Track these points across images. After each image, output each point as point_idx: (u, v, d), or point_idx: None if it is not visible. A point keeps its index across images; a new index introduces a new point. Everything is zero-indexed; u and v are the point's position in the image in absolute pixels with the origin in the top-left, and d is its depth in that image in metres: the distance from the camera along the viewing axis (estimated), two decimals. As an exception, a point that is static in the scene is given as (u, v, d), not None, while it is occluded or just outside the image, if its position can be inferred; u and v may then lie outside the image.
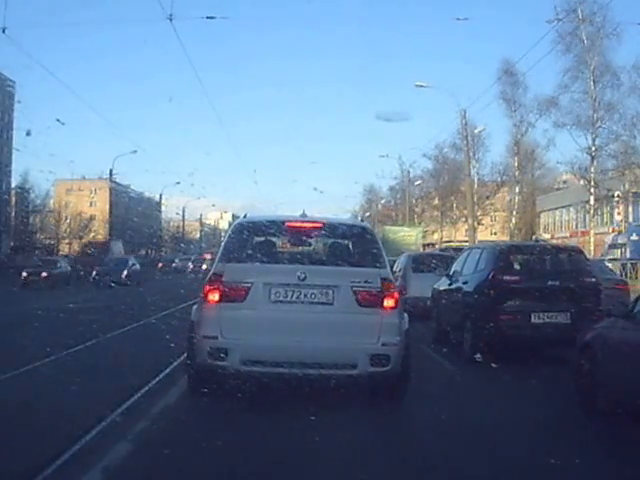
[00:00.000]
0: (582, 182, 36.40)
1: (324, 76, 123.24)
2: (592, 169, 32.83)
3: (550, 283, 9.31)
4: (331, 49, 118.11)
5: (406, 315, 6.50)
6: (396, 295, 6.26)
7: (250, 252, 6.74)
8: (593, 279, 9.78)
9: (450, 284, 11.01)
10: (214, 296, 6.17)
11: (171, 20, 17.44)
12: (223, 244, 6.80)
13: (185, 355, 6.71)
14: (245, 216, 7.41)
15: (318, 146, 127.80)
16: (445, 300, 11.09)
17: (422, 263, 15.99)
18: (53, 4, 74.33)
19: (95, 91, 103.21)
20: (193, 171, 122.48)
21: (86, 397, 6.16)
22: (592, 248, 34.85)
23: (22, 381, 7.11)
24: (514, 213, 46.97)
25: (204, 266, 32.09)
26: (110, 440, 4.97)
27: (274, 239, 7.43)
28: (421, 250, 35.92)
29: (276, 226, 7.14)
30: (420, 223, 59.04)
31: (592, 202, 33.90)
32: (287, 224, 7.10)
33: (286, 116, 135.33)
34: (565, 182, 55.33)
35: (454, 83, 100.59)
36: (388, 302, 6.15)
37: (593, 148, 32.65)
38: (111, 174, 45.91)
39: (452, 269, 11.42)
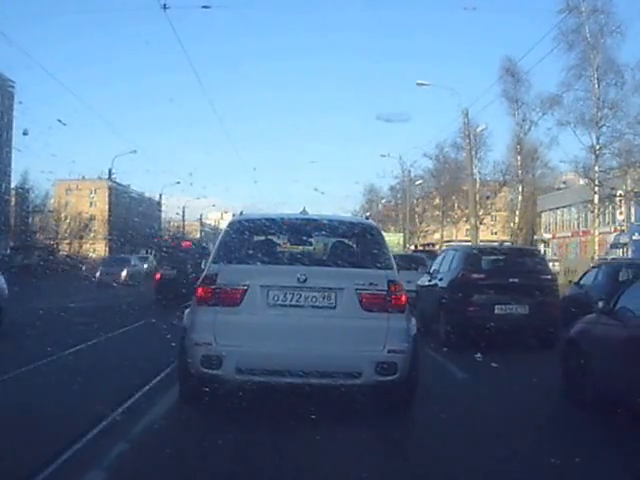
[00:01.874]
0: (584, 181, 36.16)
1: (325, 76, 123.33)
2: (596, 168, 32.49)
3: (511, 280, 10.73)
4: (331, 49, 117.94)
5: (414, 319, 6.08)
6: (403, 298, 5.82)
7: (247, 252, 6.31)
8: (549, 276, 11.43)
9: (430, 280, 12.40)
10: (208, 299, 5.74)
11: (165, 9, 17.27)
12: (218, 243, 6.33)
13: (176, 363, 6.27)
14: (242, 213, 7.04)
15: (319, 146, 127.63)
16: (425, 294, 12.28)
17: (399, 262, 18.75)
18: (51, 4, 74.10)
19: (94, 91, 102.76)
20: (193, 171, 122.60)
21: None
22: (596, 248, 34.51)
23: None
24: (517, 213, 46.70)
25: (123, 274, 28.62)
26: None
27: (273, 238, 6.99)
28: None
29: (275, 224, 6.69)
30: (421, 223, 59.02)
31: (596, 201, 33.55)
32: (286, 222, 6.72)
33: (286, 116, 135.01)
34: (565, 182, 55.05)
35: (455, 83, 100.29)
36: (395, 306, 5.74)
37: (597, 147, 32.30)
38: (110, 174, 45.73)
39: (432, 268, 12.79)
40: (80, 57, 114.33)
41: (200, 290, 5.80)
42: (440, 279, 11.77)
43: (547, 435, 5.43)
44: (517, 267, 11.27)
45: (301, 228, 6.81)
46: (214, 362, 5.54)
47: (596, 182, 32.32)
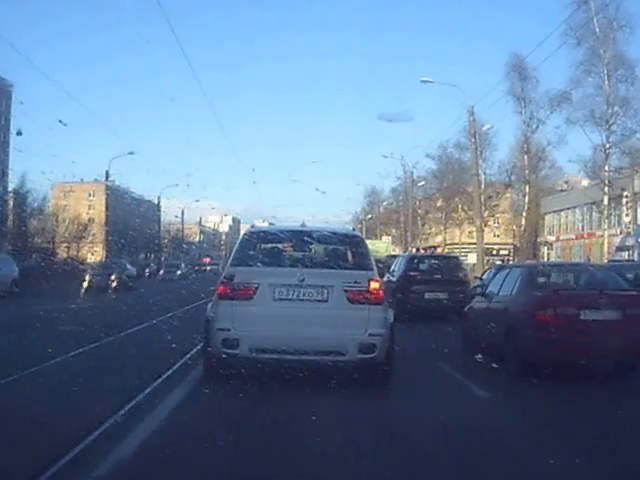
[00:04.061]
0: (589, 182, 35.27)
1: (326, 77, 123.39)
2: (606, 167, 31.56)
3: (436, 276, 16.70)
4: (333, 50, 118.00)
5: (391, 310, 7.49)
6: (381, 294, 7.20)
7: (257, 257, 7.70)
8: (462, 274, 17.45)
9: (388, 277, 17.20)
10: (227, 295, 7.17)
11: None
12: (234, 250, 7.87)
13: (202, 345, 7.64)
14: (253, 226, 8.82)
15: (320, 147, 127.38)
16: (385, 287, 15.31)
17: None
18: (49, 7, 73.57)
19: (93, 94, 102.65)
20: (192, 172, 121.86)
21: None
22: (605, 250, 33.48)
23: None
24: (523, 214, 45.78)
25: None
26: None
27: (278, 246, 8.38)
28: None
29: (280, 235, 8.34)
30: (424, 225, 58.28)
31: (605, 202, 32.54)
32: (289, 233, 8.34)
33: (286, 117, 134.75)
34: (567, 182, 54.15)
35: (460, 81, 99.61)
36: (374, 299, 7.10)
37: (607, 145, 31.44)
38: (107, 175, 45.00)
39: (391, 268, 18.41)
40: (79, 59, 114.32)
41: (221, 287, 7.26)
42: (393, 276, 17.35)
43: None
44: (441, 268, 17.23)
45: (300, 238, 8.18)
46: (232, 344, 6.97)
47: (606, 182, 31.36)
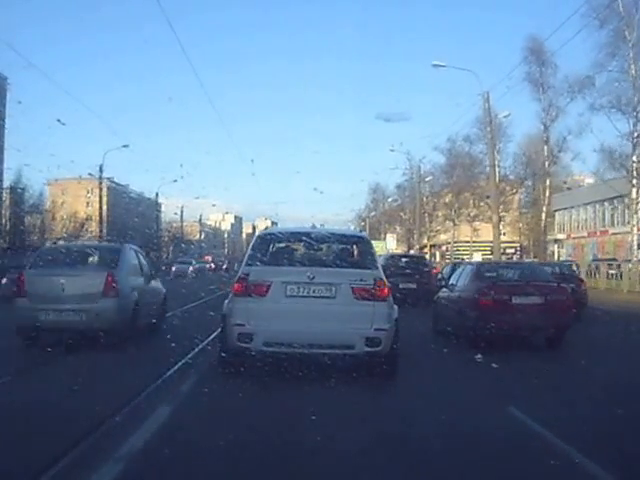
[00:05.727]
0: (591, 180, 33.28)
1: (325, 74, 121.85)
2: (634, 158, 29.60)
3: (407, 271, 21.29)
4: (332, 47, 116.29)
5: (396, 306, 7.97)
6: (386, 291, 7.69)
7: (270, 257, 8.40)
8: (427, 269, 22.88)
9: None
10: (242, 292, 7.61)
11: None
12: (249, 251, 8.34)
13: (218, 339, 8.17)
14: (266, 228, 9.60)
15: (320, 144, 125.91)
16: None
17: None
18: (48, 5, 72.17)
19: (92, 92, 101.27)
20: (192, 169, 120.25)
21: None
22: (635, 247, 30.92)
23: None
24: (544, 209, 43.79)
25: None
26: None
27: (289, 246, 9.01)
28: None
29: (291, 236, 9.04)
30: (431, 222, 56.77)
31: (634, 195, 30.42)
32: (300, 234, 8.87)
33: (287, 114, 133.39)
34: (565, 182, 52.33)
35: (473, 68, 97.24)
36: (379, 296, 7.59)
37: (635, 134, 29.54)
38: (101, 170, 43.56)
39: None
40: (78, 57, 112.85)
41: (237, 285, 7.70)
42: None
43: None
44: (411, 264, 22.34)
45: (310, 239, 8.52)
46: (247, 338, 7.44)
47: (634, 174, 29.35)
